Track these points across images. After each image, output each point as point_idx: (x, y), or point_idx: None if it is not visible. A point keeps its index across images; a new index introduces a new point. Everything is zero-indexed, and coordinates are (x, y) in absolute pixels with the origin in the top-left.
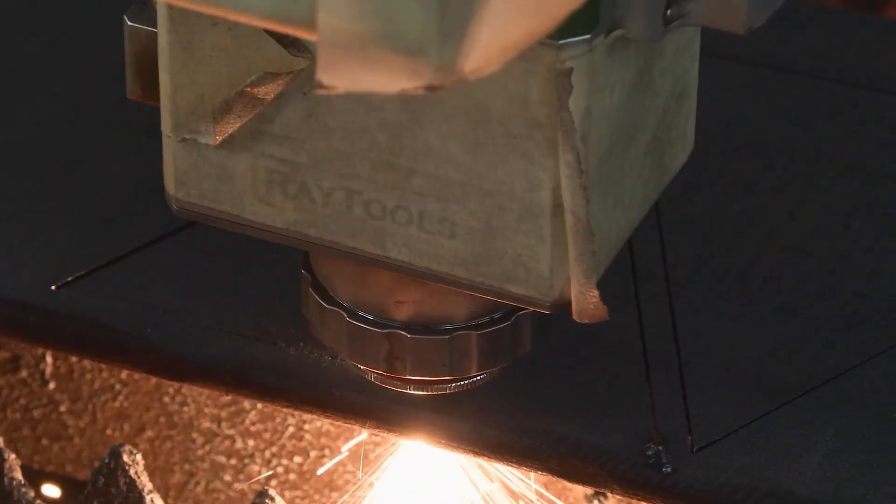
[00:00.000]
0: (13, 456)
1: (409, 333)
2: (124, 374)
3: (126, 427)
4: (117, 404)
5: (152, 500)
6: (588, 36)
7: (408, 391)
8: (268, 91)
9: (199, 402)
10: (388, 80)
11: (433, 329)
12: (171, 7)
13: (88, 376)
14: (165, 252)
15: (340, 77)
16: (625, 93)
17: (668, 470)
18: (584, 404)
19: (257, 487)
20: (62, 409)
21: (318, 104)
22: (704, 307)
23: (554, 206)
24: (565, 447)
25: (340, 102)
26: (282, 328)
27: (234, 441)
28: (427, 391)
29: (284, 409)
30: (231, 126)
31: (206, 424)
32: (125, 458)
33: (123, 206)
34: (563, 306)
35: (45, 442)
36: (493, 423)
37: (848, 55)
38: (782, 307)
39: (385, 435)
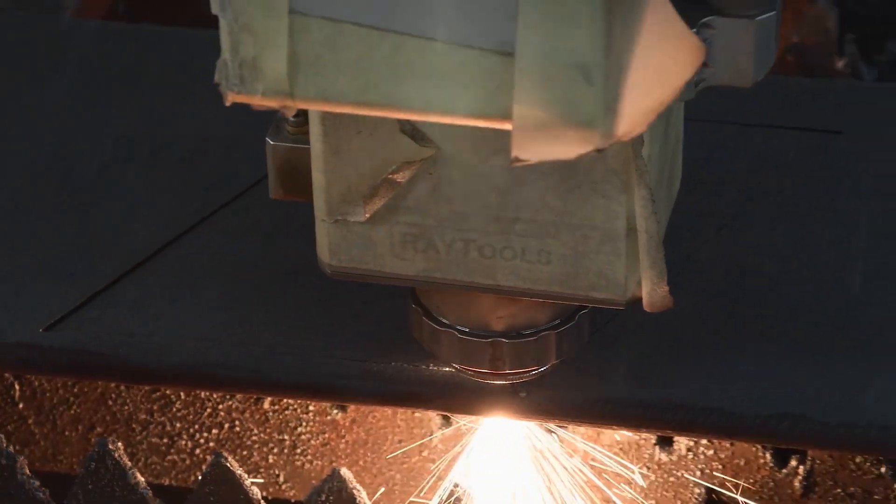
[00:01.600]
0: (22, 457)
1: (507, 340)
2: (76, 388)
3: (80, 428)
4: (72, 412)
5: (133, 474)
6: None
7: (499, 382)
8: (404, 175)
9: (136, 401)
10: (567, 149)
11: (523, 334)
12: (324, 124)
13: (48, 395)
14: (121, 291)
15: (531, 152)
16: (661, 141)
17: (524, 395)
18: None
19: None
20: (30, 421)
21: (441, 179)
22: None
23: (627, 230)
24: (451, 388)
25: (458, 175)
26: (231, 335)
27: (164, 425)
28: (511, 380)
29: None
30: (377, 205)
31: (143, 416)
32: (110, 445)
33: (79, 262)
34: (634, 302)
35: (18, 447)
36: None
37: None
38: None
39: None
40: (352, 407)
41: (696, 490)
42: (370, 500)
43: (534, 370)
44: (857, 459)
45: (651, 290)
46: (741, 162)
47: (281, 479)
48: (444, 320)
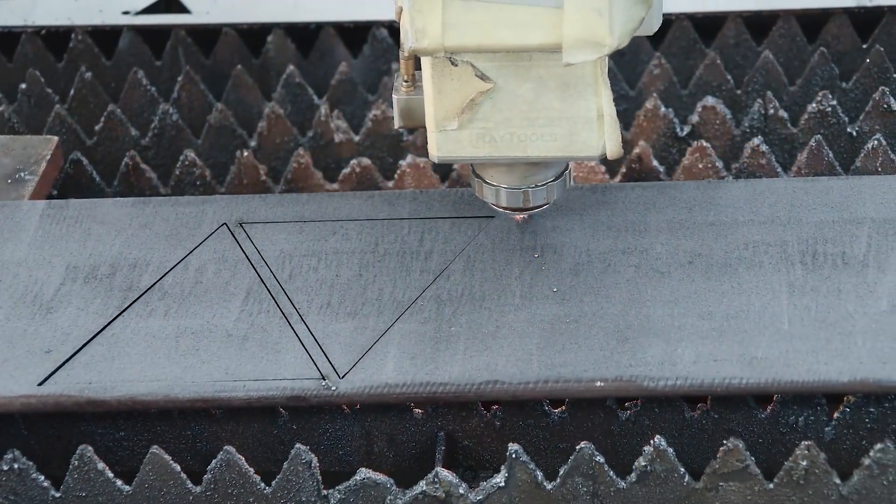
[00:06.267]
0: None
1: (530, 189)
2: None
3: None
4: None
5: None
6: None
7: (520, 215)
8: (477, 100)
9: (94, 422)
10: (590, 55)
11: (538, 185)
12: (433, 75)
13: None
14: (79, 359)
15: (573, 58)
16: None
17: (335, 389)
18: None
19: None
20: None
21: (496, 100)
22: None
23: (598, 117)
24: (289, 390)
25: (505, 97)
26: (144, 379)
27: (111, 436)
28: (527, 213)
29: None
30: (464, 119)
31: (99, 430)
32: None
33: (52, 342)
34: (603, 156)
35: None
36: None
37: None
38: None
39: None
40: None
41: None
42: None
43: (544, 205)
44: None
45: (612, 148)
46: None
47: None
48: (494, 182)
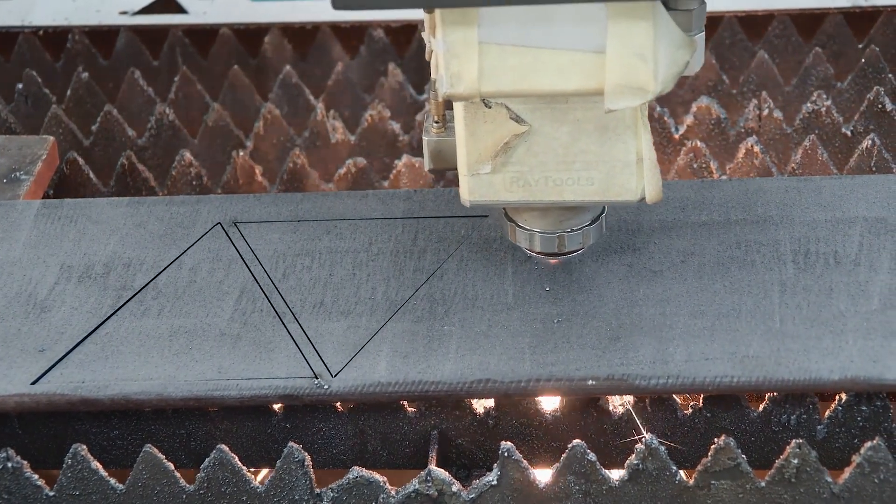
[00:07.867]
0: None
1: (565, 234)
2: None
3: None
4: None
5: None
6: None
7: (552, 260)
8: (511, 142)
9: (89, 421)
10: (633, 101)
11: (573, 230)
12: (465, 118)
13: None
14: (72, 357)
15: (615, 104)
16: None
17: (328, 387)
18: (271, 362)
19: None
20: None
21: (531, 143)
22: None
23: (637, 160)
24: (282, 388)
25: (541, 140)
26: (139, 378)
27: (106, 434)
28: (564, 257)
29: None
30: (498, 163)
31: (94, 429)
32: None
33: (46, 341)
34: (641, 200)
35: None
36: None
37: None
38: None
39: None
40: None
41: None
42: None
43: (579, 249)
44: None
45: (651, 191)
46: None
47: None
48: (528, 227)
